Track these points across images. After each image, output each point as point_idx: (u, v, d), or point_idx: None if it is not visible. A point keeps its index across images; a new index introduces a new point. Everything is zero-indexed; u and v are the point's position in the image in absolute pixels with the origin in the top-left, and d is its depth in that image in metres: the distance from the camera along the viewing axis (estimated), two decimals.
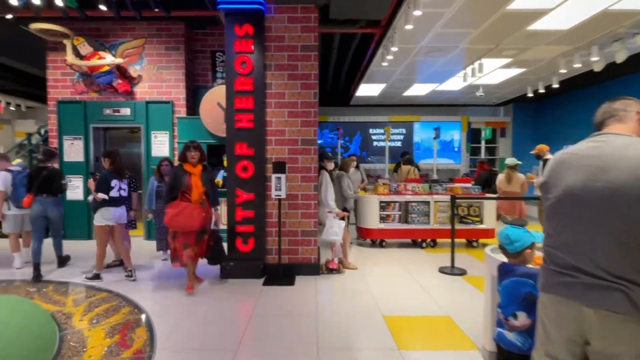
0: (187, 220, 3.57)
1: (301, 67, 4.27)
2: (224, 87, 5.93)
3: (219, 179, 6.12)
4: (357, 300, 3.62)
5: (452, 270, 4.53)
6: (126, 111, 6.10)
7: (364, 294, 3.78)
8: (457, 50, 5.72)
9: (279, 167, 4.06)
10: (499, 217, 5.71)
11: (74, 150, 6.11)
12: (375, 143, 9.76)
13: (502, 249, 1.94)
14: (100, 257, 4.12)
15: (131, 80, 6.06)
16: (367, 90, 8.07)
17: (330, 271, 4.47)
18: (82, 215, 6.16)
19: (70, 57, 5.54)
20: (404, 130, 9.75)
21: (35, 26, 5.01)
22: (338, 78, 8.33)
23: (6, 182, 4.52)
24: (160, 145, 6.15)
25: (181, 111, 6.15)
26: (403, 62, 6.16)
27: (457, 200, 5.64)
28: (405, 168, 7.34)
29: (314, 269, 4.37)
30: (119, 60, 5.73)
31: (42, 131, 7.85)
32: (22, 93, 9.18)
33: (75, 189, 6.14)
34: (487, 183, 6.60)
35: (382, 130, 9.69)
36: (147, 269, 4.72)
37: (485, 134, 7.86)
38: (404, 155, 7.47)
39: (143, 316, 3.17)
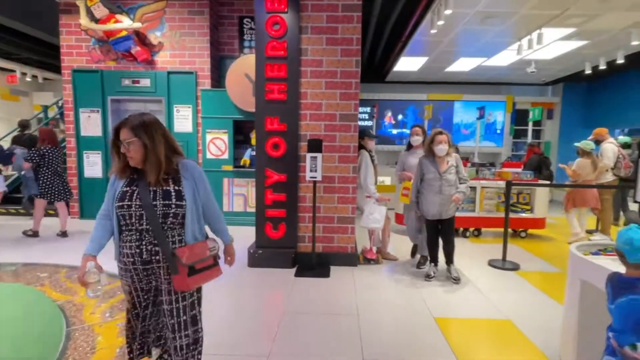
0: None
1: (342, 30, 3.69)
2: (252, 56, 5.42)
3: (246, 158, 5.70)
4: (401, 297, 3.17)
5: (504, 265, 4.02)
6: (146, 82, 5.68)
7: (409, 290, 3.33)
8: (516, 17, 4.98)
9: (315, 145, 3.57)
10: (567, 209, 5.02)
11: (90, 123, 5.77)
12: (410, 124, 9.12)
13: (620, 255, 1.48)
14: None
15: (151, 48, 5.60)
16: (406, 64, 7.37)
17: (368, 261, 4.03)
18: (100, 194, 5.87)
19: (84, 21, 5.11)
20: (443, 110, 9.04)
21: None
22: (375, 51, 7.65)
23: None
24: (183, 120, 5.73)
25: (205, 83, 5.68)
26: (452, 31, 5.45)
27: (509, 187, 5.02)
28: None
29: (350, 259, 3.93)
30: (137, 25, 5.26)
31: (60, 103, 7.57)
32: (38, 63, 8.89)
33: (93, 165, 5.84)
34: (538, 168, 5.94)
35: (418, 110, 9.02)
36: None
37: (534, 114, 7.08)
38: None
39: None
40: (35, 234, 4.85)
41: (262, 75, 3.69)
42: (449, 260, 3.56)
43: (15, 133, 6.80)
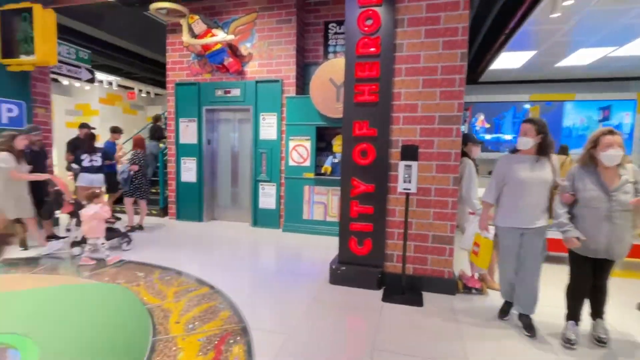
0: None
1: (445, 20, 3.21)
2: (337, 60, 5.22)
3: (327, 165, 5.49)
4: (528, 347, 2.50)
5: None
6: (236, 92, 5.89)
7: (533, 338, 2.62)
8: None
9: (409, 152, 3.13)
10: None
11: (188, 132, 6.19)
12: None
13: None
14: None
15: (242, 59, 5.80)
16: (507, 61, 6.44)
17: (469, 290, 3.40)
18: (194, 198, 6.24)
19: (185, 37, 5.50)
20: (549, 112, 7.74)
21: (154, 6, 5.01)
22: (469, 49, 6.87)
23: None
24: (269, 127, 5.78)
25: (290, 90, 5.66)
26: (577, 15, 4.49)
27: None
28: (559, 159, 5.70)
29: (447, 286, 3.35)
30: (230, 37, 5.48)
31: (165, 114, 8.39)
32: (151, 80, 10.13)
33: (189, 170, 6.24)
34: None
35: (522, 112, 7.87)
36: (265, 265, 4.34)
37: None
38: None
39: (242, 328, 2.63)
40: (139, 227, 5.52)
41: (351, 76, 3.40)
42: (599, 312, 2.55)
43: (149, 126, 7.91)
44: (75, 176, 5.24)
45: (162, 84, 10.50)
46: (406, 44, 3.31)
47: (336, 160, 5.48)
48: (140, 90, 10.11)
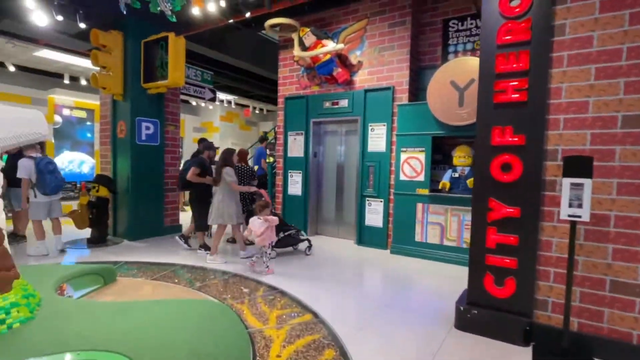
0: None
1: None
2: (460, 60, 4.52)
3: (445, 180, 4.78)
4: None
5: None
6: (344, 103, 5.68)
7: None
8: None
9: (579, 165, 2.30)
10: None
11: (296, 145, 6.22)
12: None
13: None
14: None
15: (351, 68, 5.57)
16: None
17: None
18: (299, 211, 6.21)
19: (296, 50, 5.55)
20: None
21: (269, 23, 5.17)
22: None
23: (29, 169, 4.42)
24: (377, 139, 5.38)
25: (403, 98, 5.17)
26: None
27: None
28: None
29: (638, 356, 2.34)
30: (340, 46, 5.31)
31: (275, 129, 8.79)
32: (264, 98, 10.86)
33: (295, 184, 6.25)
34: None
35: None
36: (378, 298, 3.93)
37: None
38: None
39: None
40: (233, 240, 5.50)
41: (489, 71, 2.75)
42: None
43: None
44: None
45: (273, 101, 11.18)
46: (569, 24, 2.51)
47: (456, 175, 4.72)
48: (255, 108, 10.94)
